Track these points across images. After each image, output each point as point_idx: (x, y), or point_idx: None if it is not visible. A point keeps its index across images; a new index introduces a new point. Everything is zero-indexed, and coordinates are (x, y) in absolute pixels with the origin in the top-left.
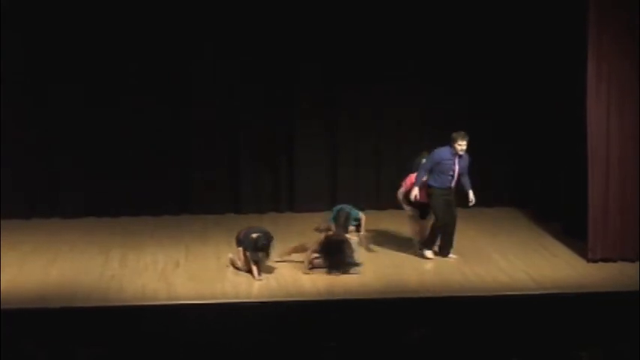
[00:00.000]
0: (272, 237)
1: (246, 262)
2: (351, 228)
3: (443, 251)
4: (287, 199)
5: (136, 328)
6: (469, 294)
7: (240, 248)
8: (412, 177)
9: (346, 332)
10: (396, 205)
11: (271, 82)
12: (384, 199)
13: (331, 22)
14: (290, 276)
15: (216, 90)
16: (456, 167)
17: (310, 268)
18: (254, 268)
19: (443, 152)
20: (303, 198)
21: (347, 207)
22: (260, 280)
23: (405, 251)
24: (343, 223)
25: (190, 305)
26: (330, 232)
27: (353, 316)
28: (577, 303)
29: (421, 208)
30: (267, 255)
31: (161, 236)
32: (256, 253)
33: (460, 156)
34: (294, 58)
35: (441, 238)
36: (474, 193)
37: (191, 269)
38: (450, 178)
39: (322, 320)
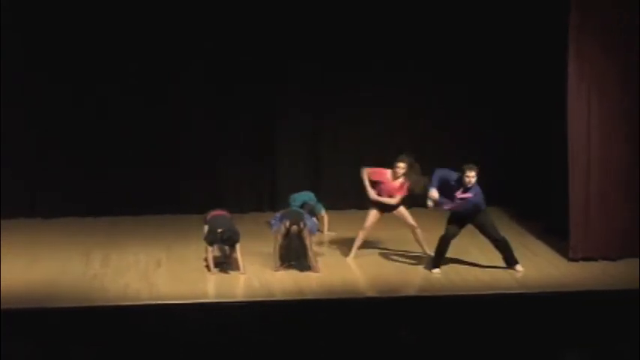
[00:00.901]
0: (237, 231)
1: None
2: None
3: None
4: (269, 198)
5: (119, 327)
6: (451, 293)
7: (210, 248)
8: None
9: (330, 332)
10: None
11: (256, 80)
12: (367, 199)
13: (321, 19)
14: (272, 275)
15: (200, 90)
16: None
17: (280, 265)
18: (210, 259)
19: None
20: (285, 197)
21: (312, 200)
22: (213, 273)
23: (389, 251)
24: (308, 214)
25: (173, 305)
26: (290, 224)
27: (337, 316)
28: (559, 302)
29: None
30: (234, 247)
31: (143, 236)
32: (223, 246)
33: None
34: (281, 55)
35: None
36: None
37: (173, 269)
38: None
39: (305, 320)
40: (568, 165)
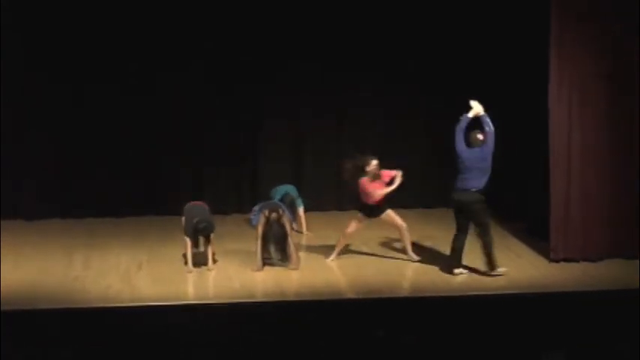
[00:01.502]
0: (213, 224)
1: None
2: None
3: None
4: (250, 199)
5: (101, 329)
6: (433, 294)
7: (187, 238)
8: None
9: (312, 333)
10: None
11: (238, 82)
12: (347, 200)
13: (305, 22)
14: (253, 276)
15: (182, 92)
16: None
17: (263, 264)
18: (189, 253)
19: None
20: (266, 199)
21: (294, 192)
22: (191, 272)
23: (370, 251)
24: (288, 206)
25: (154, 307)
26: (269, 212)
27: (318, 317)
28: (540, 303)
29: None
30: (208, 240)
31: (125, 238)
32: (196, 235)
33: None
34: (264, 58)
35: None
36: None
37: (154, 271)
38: None
39: (287, 321)
40: (549, 167)
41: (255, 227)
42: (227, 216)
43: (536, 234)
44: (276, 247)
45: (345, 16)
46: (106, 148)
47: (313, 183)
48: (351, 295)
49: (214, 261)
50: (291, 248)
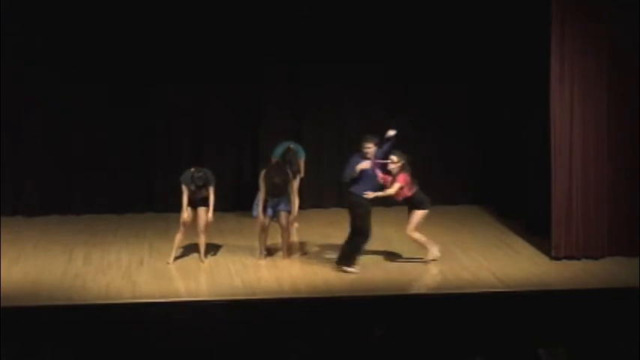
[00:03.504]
0: (211, 173)
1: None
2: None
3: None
4: (250, 197)
5: (101, 326)
6: (433, 292)
7: (184, 186)
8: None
9: (311, 331)
10: None
11: (238, 80)
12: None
13: (303, 18)
14: (254, 273)
15: (181, 89)
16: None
17: (265, 255)
18: (184, 199)
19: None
20: None
21: (294, 145)
22: (185, 220)
23: (369, 250)
24: (293, 160)
25: (154, 303)
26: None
27: (318, 315)
28: (541, 301)
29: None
30: (207, 188)
31: (125, 234)
32: (192, 182)
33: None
34: (263, 55)
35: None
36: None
37: (155, 267)
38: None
39: (286, 319)
40: (550, 164)
41: (256, 218)
42: (226, 213)
43: (536, 231)
44: (279, 194)
45: (345, 14)
46: (106, 145)
47: (314, 181)
48: (350, 293)
49: (206, 254)
50: (293, 195)
